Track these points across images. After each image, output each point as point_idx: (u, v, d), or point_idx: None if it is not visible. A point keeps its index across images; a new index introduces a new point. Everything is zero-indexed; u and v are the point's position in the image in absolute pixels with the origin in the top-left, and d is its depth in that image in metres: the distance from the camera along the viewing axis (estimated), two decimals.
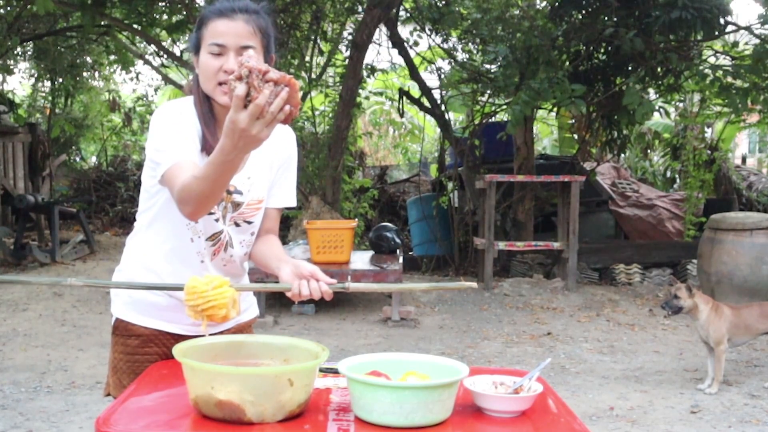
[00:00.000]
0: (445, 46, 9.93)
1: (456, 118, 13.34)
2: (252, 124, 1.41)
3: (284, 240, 7.76)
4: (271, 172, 1.92)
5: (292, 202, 1.98)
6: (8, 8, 9.67)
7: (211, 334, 1.89)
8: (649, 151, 13.52)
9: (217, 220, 1.83)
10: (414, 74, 9.68)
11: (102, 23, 9.29)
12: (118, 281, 1.84)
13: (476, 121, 9.74)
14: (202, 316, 1.62)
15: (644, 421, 4.18)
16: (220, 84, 1.74)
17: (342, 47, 10.30)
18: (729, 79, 7.76)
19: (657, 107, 9.12)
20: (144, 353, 1.89)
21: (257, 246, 1.94)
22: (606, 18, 7.98)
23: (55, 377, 4.80)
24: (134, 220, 1.96)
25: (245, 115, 1.40)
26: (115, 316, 1.93)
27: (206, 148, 1.77)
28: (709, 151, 10.62)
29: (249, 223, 1.89)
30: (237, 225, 1.87)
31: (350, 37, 9.56)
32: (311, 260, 6.66)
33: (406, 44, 9.58)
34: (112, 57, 12.20)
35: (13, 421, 3.99)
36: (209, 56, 1.73)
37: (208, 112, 1.80)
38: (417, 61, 9.89)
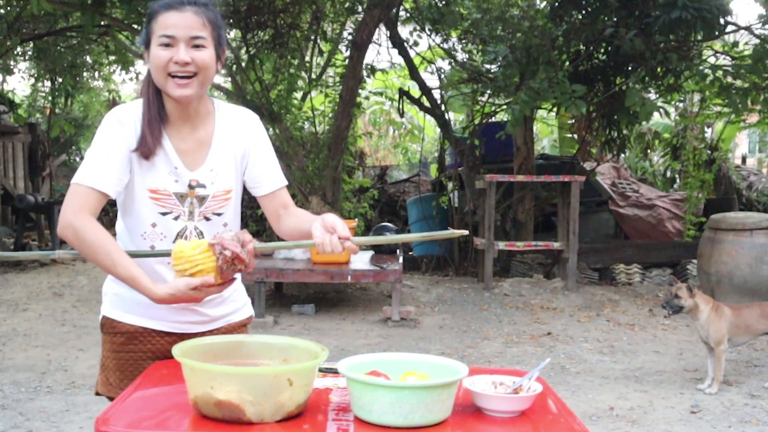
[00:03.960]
0: (445, 46, 9.92)
1: (456, 118, 13.32)
2: (195, 295, 1.65)
3: None
4: (237, 161, 1.90)
5: (283, 181, 1.97)
6: (8, 8, 9.66)
7: (200, 333, 1.89)
8: (649, 151, 13.51)
9: (176, 218, 1.82)
10: (414, 74, 9.67)
11: (102, 23, 9.28)
12: None
13: (476, 121, 9.74)
14: None
15: (644, 421, 4.18)
16: (172, 76, 1.75)
17: (342, 47, 10.29)
18: (729, 79, 7.76)
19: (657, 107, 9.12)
20: (129, 350, 1.90)
21: (285, 222, 1.92)
22: (606, 18, 7.98)
23: (55, 377, 4.80)
24: None
25: (192, 293, 1.63)
26: (102, 314, 1.94)
27: (142, 147, 1.76)
28: (709, 151, 10.62)
29: (219, 215, 1.87)
30: (207, 219, 1.85)
31: (350, 37, 9.55)
32: (311, 260, 6.67)
33: (406, 44, 9.57)
34: (112, 57, 12.19)
35: (13, 421, 3.99)
36: (159, 48, 1.75)
37: (158, 111, 1.79)
38: (417, 61, 9.88)
